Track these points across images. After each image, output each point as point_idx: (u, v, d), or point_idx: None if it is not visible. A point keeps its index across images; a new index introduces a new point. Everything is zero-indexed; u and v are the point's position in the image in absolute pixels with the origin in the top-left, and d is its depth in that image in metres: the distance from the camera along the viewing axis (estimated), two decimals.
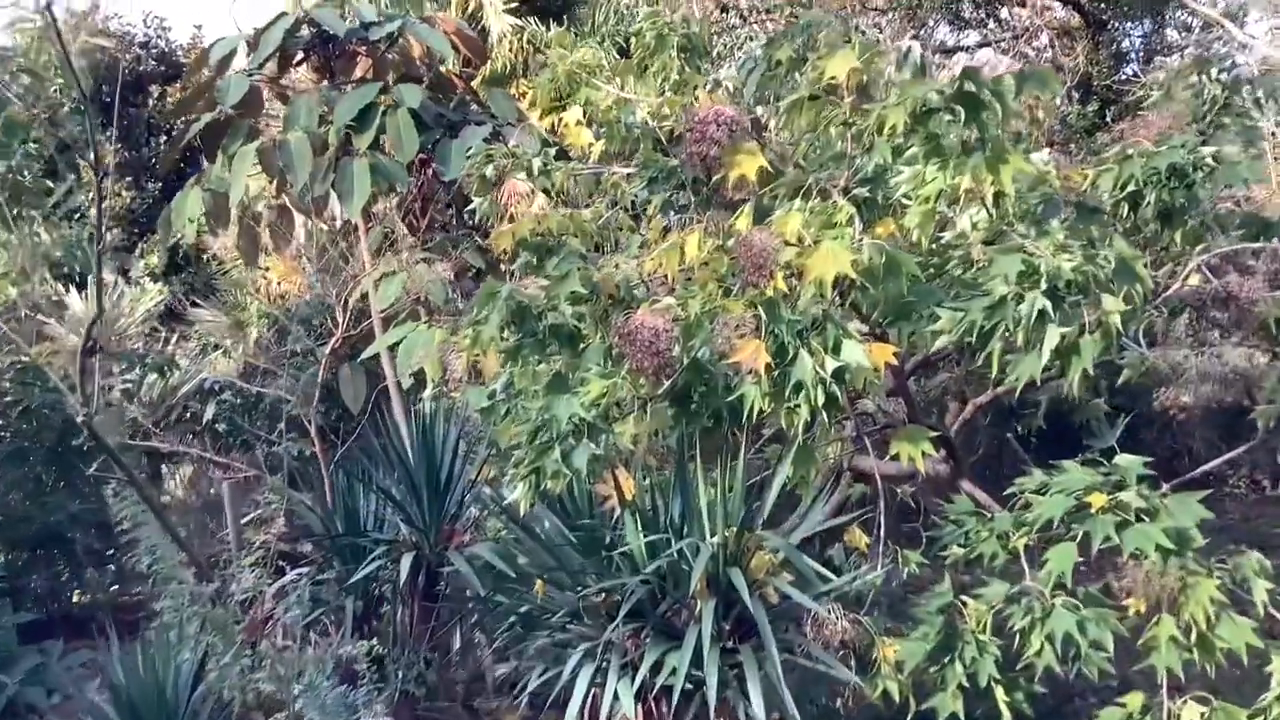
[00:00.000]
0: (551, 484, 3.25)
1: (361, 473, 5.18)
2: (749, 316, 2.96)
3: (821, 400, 2.87)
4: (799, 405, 2.91)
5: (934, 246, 3.25)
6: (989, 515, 3.36)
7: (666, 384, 3.23)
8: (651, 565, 3.61)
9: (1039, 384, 2.84)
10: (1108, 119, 12.06)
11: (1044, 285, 2.70)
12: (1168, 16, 14.14)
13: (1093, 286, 2.78)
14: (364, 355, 5.84)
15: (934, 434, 3.38)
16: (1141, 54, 14.39)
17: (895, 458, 3.40)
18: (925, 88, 2.87)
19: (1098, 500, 3.05)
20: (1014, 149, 2.86)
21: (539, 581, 3.81)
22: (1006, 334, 2.83)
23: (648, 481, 3.81)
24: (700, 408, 3.43)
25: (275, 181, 6.44)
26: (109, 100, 12.87)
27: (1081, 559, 3.01)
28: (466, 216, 6.19)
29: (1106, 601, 3.09)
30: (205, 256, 10.82)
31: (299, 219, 7.46)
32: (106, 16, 13.45)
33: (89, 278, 9.45)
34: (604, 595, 3.69)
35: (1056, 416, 4.90)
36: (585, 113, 4.52)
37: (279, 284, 8.84)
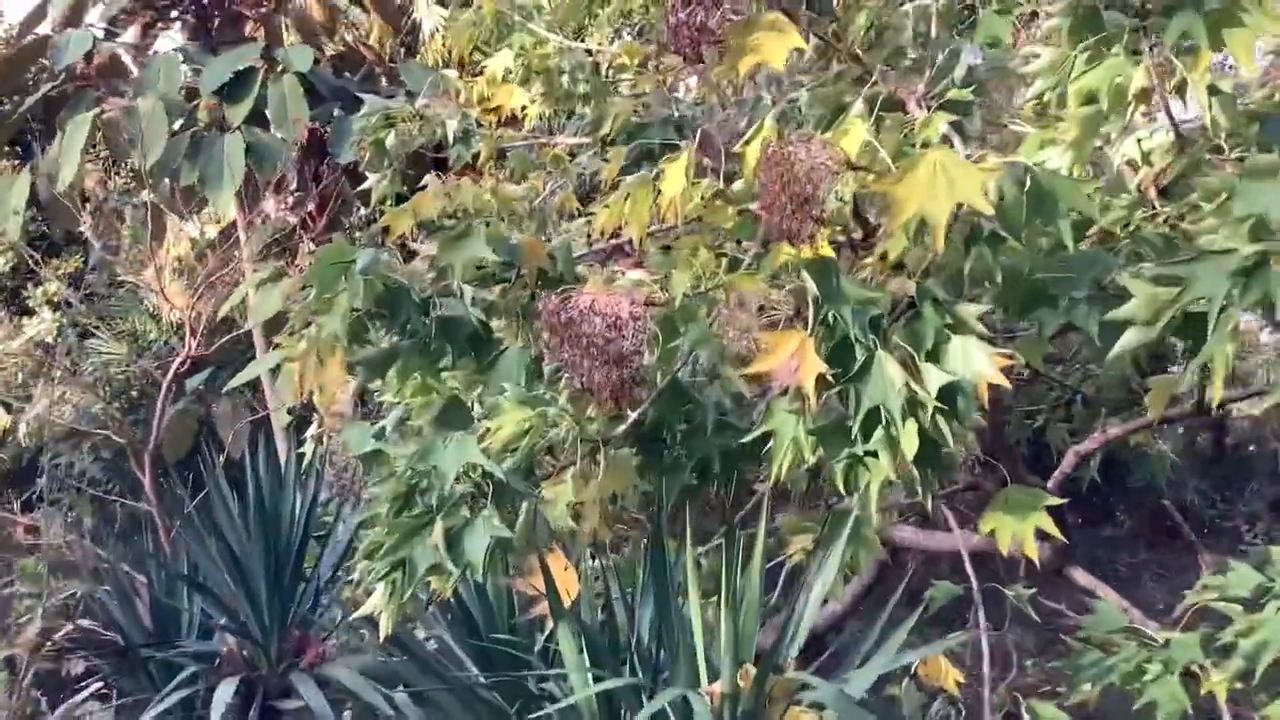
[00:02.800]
0: (436, 586, 1.92)
1: (185, 554, 3.63)
2: (783, 295, 1.65)
3: (915, 444, 1.57)
4: (874, 452, 1.61)
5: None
6: (1155, 640, 2.06)
7: (633, 414, 1.92)
8: None
9: None
10: None
11: None
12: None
13: None
14: (233, 383, 4.54)
15: (1053, 501, 2.09)
16: None
17: (989, 533, 2.10)
18: None
19: None
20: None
21: None
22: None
23: (600, 573, 2.32)
24: (681, 454, 2.14)
25: (130, 166, 5.12)
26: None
27: None
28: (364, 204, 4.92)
29: None
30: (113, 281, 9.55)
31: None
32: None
33: None
34: None
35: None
36: (518, 65, 3.42)
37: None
